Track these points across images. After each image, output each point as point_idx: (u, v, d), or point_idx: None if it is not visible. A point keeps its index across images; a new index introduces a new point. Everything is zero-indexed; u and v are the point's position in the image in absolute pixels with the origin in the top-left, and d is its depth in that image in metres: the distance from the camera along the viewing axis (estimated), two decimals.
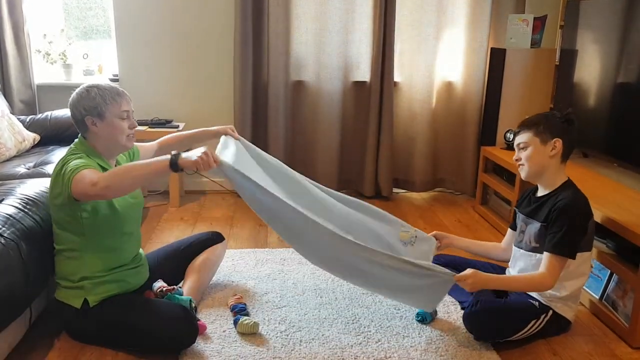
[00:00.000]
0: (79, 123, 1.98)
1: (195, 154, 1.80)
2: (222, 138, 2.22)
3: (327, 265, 2.16)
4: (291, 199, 2.03)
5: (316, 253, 2.10)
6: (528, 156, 2.10)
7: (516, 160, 2.16)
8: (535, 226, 2.12)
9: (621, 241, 2.24)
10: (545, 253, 2.03)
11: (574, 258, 2.01)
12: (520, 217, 2.25)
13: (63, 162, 1.91)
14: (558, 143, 2.06)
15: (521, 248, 2.20)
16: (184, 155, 1.81)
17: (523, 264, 2.19)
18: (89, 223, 1.92)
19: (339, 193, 2.43)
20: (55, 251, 2.01)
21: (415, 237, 2.41)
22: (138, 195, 2.16)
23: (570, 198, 2.03)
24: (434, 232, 2.43)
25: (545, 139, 2.07)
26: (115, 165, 2.10)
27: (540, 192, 2.18)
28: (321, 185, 2.42)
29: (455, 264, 2.53)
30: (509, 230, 2.39)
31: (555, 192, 2.10)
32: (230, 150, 2.09)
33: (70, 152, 1.97)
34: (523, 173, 2.16)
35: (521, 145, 2.13)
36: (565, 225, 1.99)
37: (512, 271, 2.29)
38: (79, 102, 1.96)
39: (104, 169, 1.96)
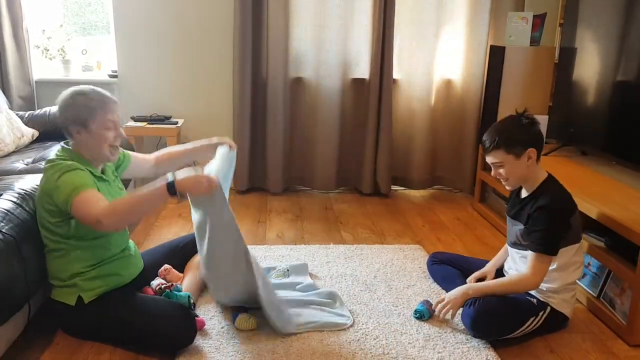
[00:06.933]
0: (63, 129, 1.96)
1: (193, 179, 1.76)
2: (219, 149, 2.23)
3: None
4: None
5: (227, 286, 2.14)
6: (507, 172, 2.09)
7: (496, 177, 2.14)
8: (519, 227, 2.14)
9: (619, 239, 2.24)
10: (529, 253, 2.06)
11: (555, 254, 2.03)
12: (507, 217, 2.28)
13: (56, 170, 1.87)
14: (532, 152, 2.05)
15: (510, 246, 2.24)
16: (179, 178, 1.78)
17: (512, 260, 2.25)
18: (78, 224, 1.90)
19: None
20: (45, 252, 2.00)
21: (287, 270, 2.56)
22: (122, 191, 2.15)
23: (548, 199, 2.04)
24: (475, 276, 2.37)
25: (518, 153, 2.04)
26: (102, 171, 2.05)
27: (524, 193, 2.19)
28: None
29: (453, 261, 2.55)
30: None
31: (535, 194, 2.11)
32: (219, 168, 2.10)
33: (57, 156, 1.95)
34: (508, 187, 2.17)
35: (497, 165, 2.10)
36: (544, 225, 2.01)
37: (506, 267, 2.32)
38: (64, 109, 1.93)
39: (92, 174, 1.94)
